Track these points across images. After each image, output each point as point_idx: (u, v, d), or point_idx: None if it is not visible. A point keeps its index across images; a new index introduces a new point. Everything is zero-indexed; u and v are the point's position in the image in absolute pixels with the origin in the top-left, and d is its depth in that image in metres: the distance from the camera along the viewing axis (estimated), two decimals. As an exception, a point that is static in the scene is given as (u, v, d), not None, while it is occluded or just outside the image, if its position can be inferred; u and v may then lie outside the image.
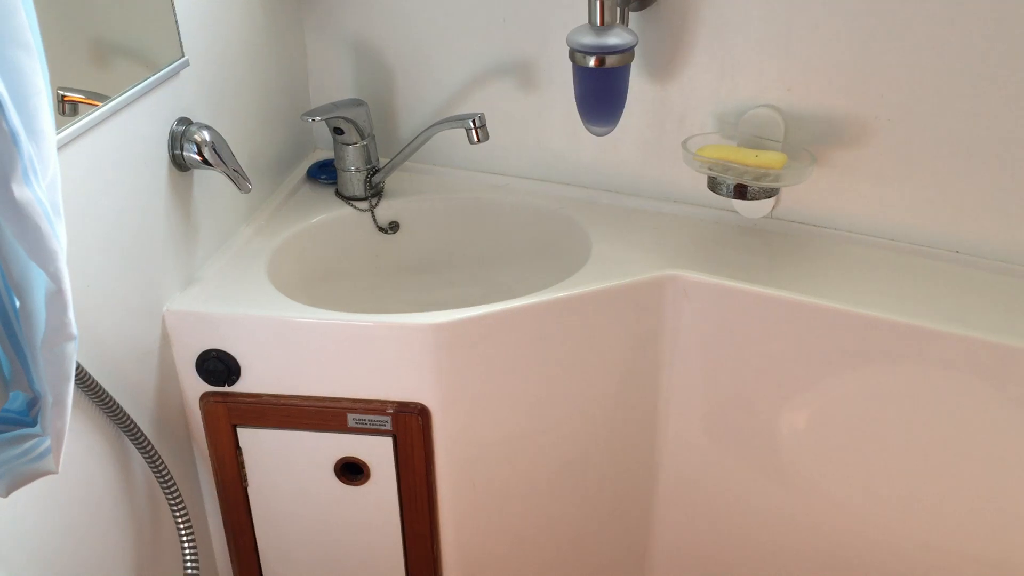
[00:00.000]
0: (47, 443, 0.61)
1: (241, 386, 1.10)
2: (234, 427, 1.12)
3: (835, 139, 1.16)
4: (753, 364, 1.15)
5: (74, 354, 0.56)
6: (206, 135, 1.05)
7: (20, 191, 0.50)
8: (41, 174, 0.52)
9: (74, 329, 0.55)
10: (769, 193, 1.13)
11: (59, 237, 0.53)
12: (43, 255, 0.52)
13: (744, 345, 1.14)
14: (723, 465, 1.24)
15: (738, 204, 1.18)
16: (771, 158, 1.11)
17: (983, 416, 1.06)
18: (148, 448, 1.02)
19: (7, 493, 0.64)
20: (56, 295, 0.54)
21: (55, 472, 0.63)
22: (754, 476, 1.23)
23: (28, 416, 0.61)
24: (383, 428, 1.09)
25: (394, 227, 1.32)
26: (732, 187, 1.12)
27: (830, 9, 1.09)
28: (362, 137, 1.27)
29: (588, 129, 1.16)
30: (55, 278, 0.53)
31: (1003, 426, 1.05)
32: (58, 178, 0.55)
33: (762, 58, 1.14)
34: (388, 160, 1.29)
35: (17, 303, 0.56)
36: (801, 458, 1.18)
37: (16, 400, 0.60)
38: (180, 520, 1.04)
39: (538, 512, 1.23)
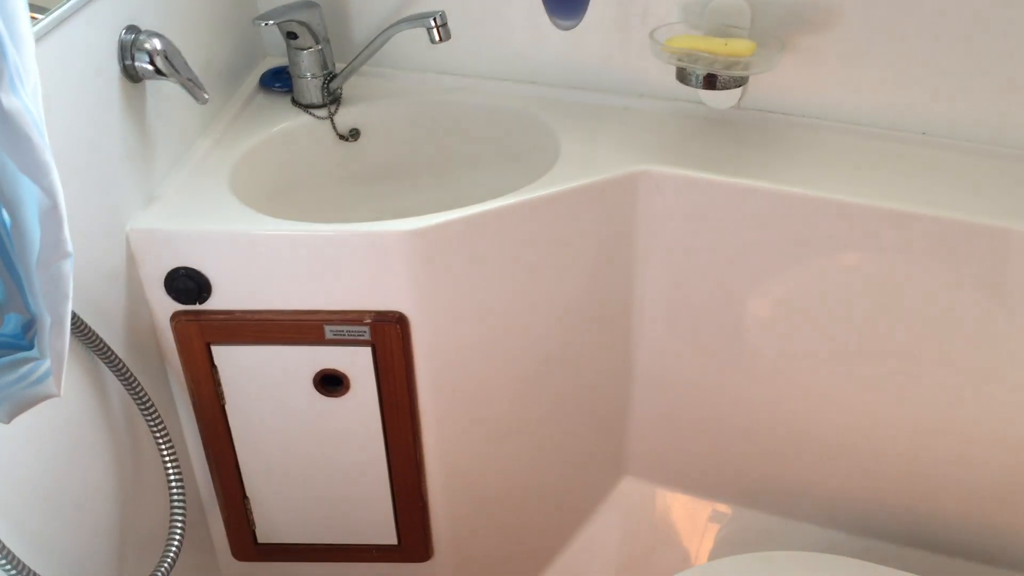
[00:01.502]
0: (46, 365, 0.58)
1: (213, 303, 1.07)
2: (208, 345, 1.10)
3: (801, 23, 1.14)
4: (726, 255, 1.16)
5: (71, 272, 0.54)
6: (157, 43, 1.00)
7: (8, 100, 0.46)
8: (26, 81, 0.48)
9: (70, 246, 0.53)
10: (739, 82, 1.11)
11: (49, 149, 0.50)
12: (36, 168, 0.49)
13: (717, 236, 1.15)
14: (697, 357, 1.25)
15: (707, 95, 1.17)
16: (740, 46, 1.09)
17: (948, 294, 1.08)
18: (123, 371, 0.99)
19: (8, 419, 0.62)
20: (51, 211, 0.51)
21: (57, 395, 0.61)
22: (727, 366, 1.25)
23: (24, 339, 0.58)
24: (361, 338, 1.08)
25: (355, 134, 1.29)
26: (701, 77, 1.11)
27: None
28: (317, 41, 1.22)
29: (554, 23, 1.13)
30: (49, 192, 0.51)
31: (967, 302, 1.07)
32: (39, 87, 0.51)
33: (728, -58, 1.12)
34: (345, 65, 1.25)
35: (8, 221, 0.53)
36: (773, 346, 1.20)
37: (10, 323, 0.58)
38: (161, 440, 1.03)
39: (517, 411, 1.24)
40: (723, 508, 1.39)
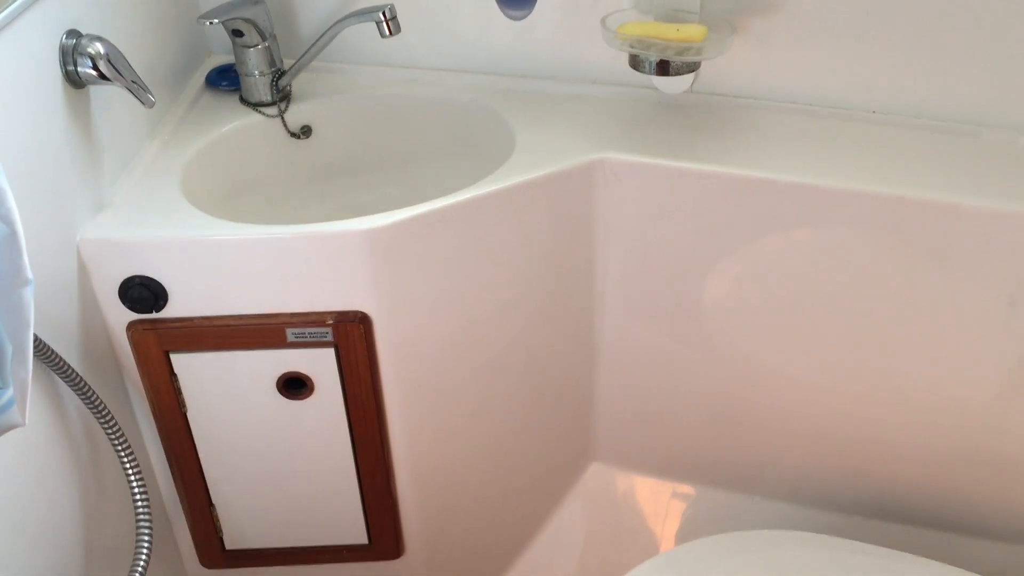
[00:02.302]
0: (8, 395, 0.57)
1: (170, 311, 1.05)
2: (167, 353, 1.08)
3: (750, 6, 1.15)
4: (685, 238, 1.16)
5: (31, 299, 0.52)
6: (100, 47, 0.97)
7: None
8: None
9: (30, 273, 0.51)
10: (691, 67, 1.12)
11: (3, 175, 0.48)
12: (-11, 195, 0.47)
13: (675, 221, 1.15)
14: (659, 340, 1.26)
15: (660, 81, 1.17)
16: (692, 31, 1.09)
17: (900, 268, 1.10)
18: (80, 384, 0.97)
19: (-29, 451, 0.60)
20: (9, 238, 0.49)
21: (22, 424, 0.60)
22: (688, 347, 1.25)
23: (-16, 369, 0.57)
24: (324, 340, 1.07)
25: (306, 131, 1.27)
26: (655, 64, 1.11)
27: None
28: (263, 38, 1.20)
29: (506, 14, 1.12)
30: (6, 219, 0.49)
31: (919, 276, 1.09)
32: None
33: (675, -73, 1.12)
34: (294, 61, 1.23)
35: (-38, 251, 0.51)
36: (732, 326, 1.21)
37: (-32, 353, 0.56)
38: (123, 452, 1.01)
39: (483, 403, 1.24)
40: (689, 489, 1.40)
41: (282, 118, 1.24)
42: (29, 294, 0.52)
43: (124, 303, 1.04)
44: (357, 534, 1.25)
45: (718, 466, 1.36)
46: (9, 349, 0.54)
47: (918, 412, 1.20)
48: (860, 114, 1.18)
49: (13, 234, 0.50)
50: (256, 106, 1.23)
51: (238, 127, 1.21)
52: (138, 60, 1.11)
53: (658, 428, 1.35)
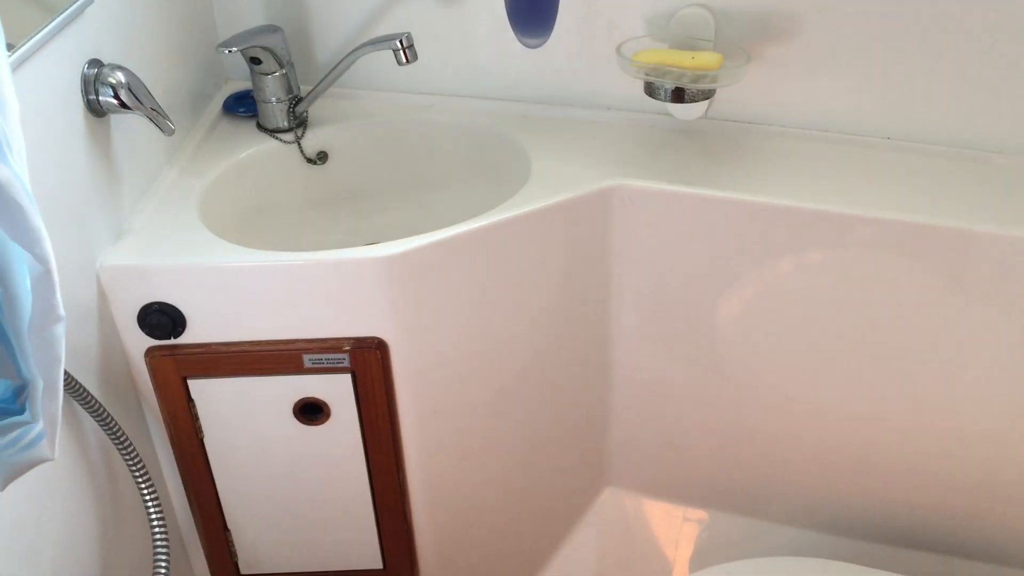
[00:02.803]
0: (37, 429, 0.57)
1: (188, 337, 1.06)
2: (184, 379, 1.08)
3: (765, 34, 1.15)
4: (700, 264, 1.17)
5: (63, 335, 0.52)
6: (121, 76, 0.98)
7: None
8: (13, 147, 0.47)
9: (62, 310, 0.51)
10: (707, 95, 1.12)
11: (39, 214, 0.49)
12: (27, 235, 0.48)
13: (690, 246, 1.16)
14: (674, 365, 1.26)
15: (674, 108, 1.18)
16: (707, 59, 1.10)
17: (915, 295, 1.10)
18: (99, 410, 0.97)
19: (3, 486, 0.60)
20: (44, 276, 0.50)
21: (51, 459, 0.60)
22: (704, 372, 1.25)
23: (15, 404, 0.57)
24: (341, 366, 1.07)
25: (323, 157, 1.27)
26: (670, 91, 1.12)
27: (756, -99, 1.07)
28: (281, 65, 1.21)
29: (521, 42, 1.13)
30: (42, 259, 0.49)
31: (933, 302, 1.09)
32: (24, 150, 0.50)
33: (689, -44, 1.13)
34: (311, 88, 1.24)
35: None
36: (748, 351, 1.21)
37: (0, 388, 0.56)
38: (140, 478, 1.01)
39: (498, 427, 1.24)
40: (703, 514, 1.40)
41: (299, 144, 1.25)
42: (61, 331, 0.52)
43: (143, 329, 1.04)
44: (372, 559, 1.25)
45: (732, 491, 1.36)
46: (41, 384, 0.54)
47: (932, 438, 1.20)
48: (874, 140, 1.19)
49: (47, 272, 0.50)
50: (273, 132, 1.24)
51: (255, 153, 1.22)
52: (157, 87, 1.12)
53: (672, 453, 1.35)
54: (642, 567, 1.41)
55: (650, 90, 1.13)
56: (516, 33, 1.12)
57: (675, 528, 1.40)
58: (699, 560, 1.40)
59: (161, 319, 1.03)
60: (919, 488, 1.25)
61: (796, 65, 1.16)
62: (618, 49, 1.14)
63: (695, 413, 1.30)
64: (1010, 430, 1.16)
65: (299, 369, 1.07)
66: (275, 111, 1.23)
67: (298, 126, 1.25)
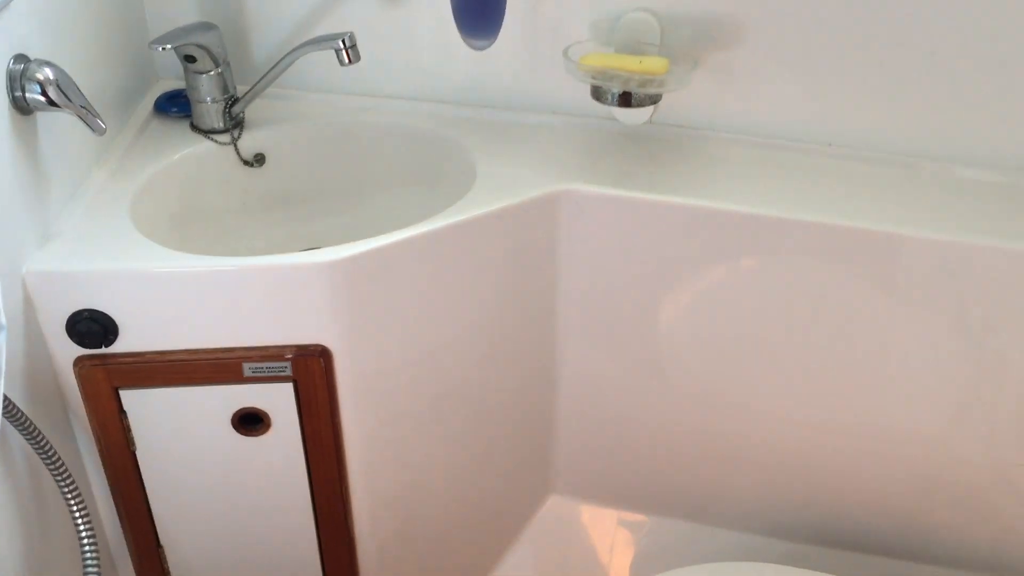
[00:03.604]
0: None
1: (120, 345, 1.01)
2: (116, 390, 1.03)
3: (710, 39, 1.16)
4: (643, 267, 1.16)
5: (3, 345, 0.49)
6: (49, 72, 0.93)
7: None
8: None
9: (3, 318, 0.48)
10: (653, 99, 1.12)
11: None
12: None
13: (635, 250, 1.15)
14: (619, 370, 1.26)
15: (620, 112, 1.17)
16: (654, 63, 1.09)
17: (851, 298, 1.11)
18: (24, 423, 0.92)
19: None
20: (-20, 284, 0.46)
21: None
22: (648, 377, 1.25)
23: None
24: (282, 374, 1.04)
25: (260, 159, 1.24)
26: (617, 95, 1.11)
27: (703, -93, 1.07)
28: (216, 64, 1.17)
29: (468, 43, 1.11)
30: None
31: (868, 306, 1.11)
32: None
33: (636, -40, 1.12)
34: (247, 88, 1.20)
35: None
36: (688, 355, 1.22)
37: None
38: (69, 493, 0.96)
39: (442, 434, 1.22)
40: (648, 519, 1.40)
41: (235, 146, 1.21)
42: (3, 340, 0.48)
43: (72, 338, 0.99)
44: (312, 573, 1.21)
45: (676, 496, 1.36)
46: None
47: (871, 440, 1.21)
48: (816, 147, 1.20)
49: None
50: (208, 133, 1.20)
51: (189, 155, 1.18)
52: (86, 84, 1.07)
53: (617, 459, 1.35)
54: (586, 574, 1.40)
55: (597, 94, 1.13)
56: (462, 34, 1.10)
57: (620, 535, 1.40)
58: (641, 566, 1.39)
59: (91, 327, 0.98)
60: (859, 490, 1.26)
61: (740, 71, 1.17)
62: (565, 52, 1.13)
63: (639, 417, 1.30)
64: (946, 431, 1.18)
65: (238, 378, 1.03)
66: (210, 111, 1.19)
67: (234, 127, 1.21)
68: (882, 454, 1.22)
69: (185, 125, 1.22)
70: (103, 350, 1.01)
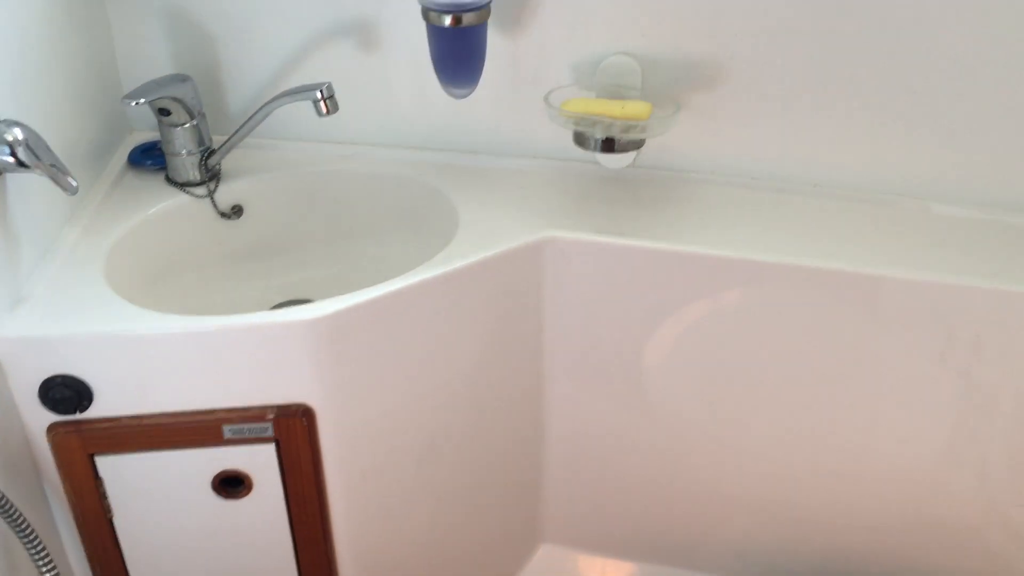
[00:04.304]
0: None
1: (95, 411, 0.98)
2: (91, 456, 1.00)
3: (692, 82, 1.15)
4: (629, 312, 1.15)
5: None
6: (18, 133, 0.91)
7: None
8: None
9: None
10: (637, 144, 1.11)
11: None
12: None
13: (621, 296, 1.14)
14: (606, 413, 1.24)
15: (603, 157, 1.16)
16: (637, 109, 1.08)
17: (836, 341, 1.10)
18: (-4, 497, 0.89)
19: None
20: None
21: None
22: (635, 419, 1.23)
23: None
24: (264, 435, 1.01)
25: (237, 211, 1.21)
26: (600, 141, 1.10)
27: (681, -49, 1.07)
28: (191, 116, 1.15)
29: (447, 92, 1.09)
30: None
31: (853, 348, 1.10)
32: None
33: (614, 5, 1.11)
34: (224, 139, 1.18)
35: None
36: (676, 399, 1.20)
37: None
38: (43, 565, 0.92)
39: (429, 487, 1.19)
40: (641, 567, 1.37)
41: (211, 198, 1.18)
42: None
43: (45, 405, 0.96)
44: (298, 636, 1.17)
45: (668, 542, 1.34)
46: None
47: (863, 481, 1.20)
48: (802, 187, 1.19)
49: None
50: (184, 186, 1.18)
51: (165, 209, 1.15)
52: (56, 141, 1.05)
53: (608, 506, 1.32)
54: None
55: (579, 140, 1.11)
56: (442, 83, 1.08)
57: (612, 584, 1.37)
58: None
59: (65, 393, 0.95)
60: (852, 532, 1.25)
61: (723, 113, 1.16)
62: (546, 98, 1.11)
63: (630, 463, 1.27)
64: (938, 471, 1.16)
65: (218, 440, 1.00)
66: (185, 164, 1.17)
67: (211, 179, 1.19)
68: (874, 495, 1.21)
69: (160, 178, 1.20)
70: (77, 416, 0.98)
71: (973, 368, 1.09)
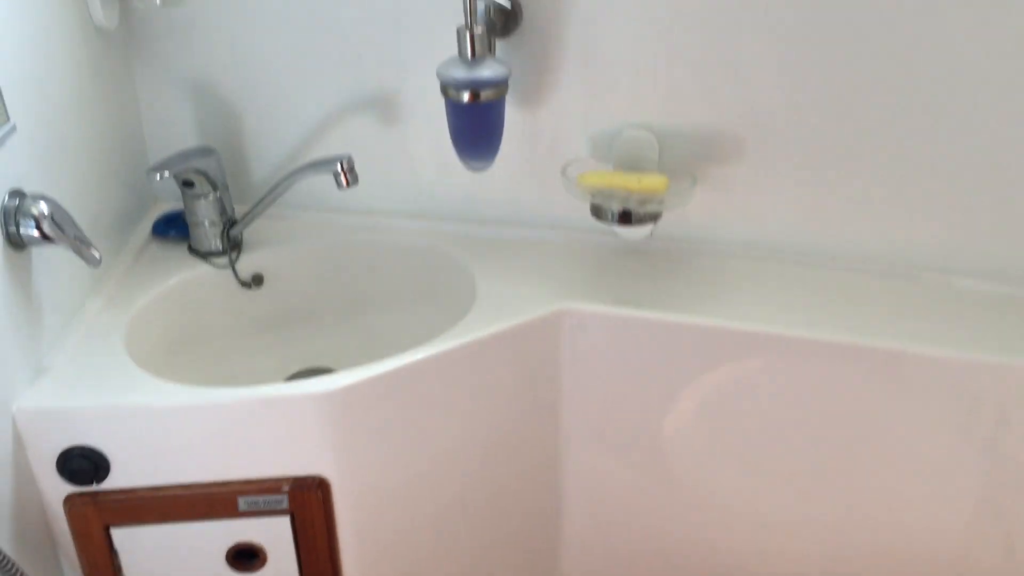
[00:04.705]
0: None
1: (111, 482, 0.98)
2: (107, 528, 1.00)
3: (709, 155, 1.15)
4: (648, 383, 1.14)
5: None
6: (44, 207, 0.93)
7: None
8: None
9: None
10: (654, 216, 1.11)
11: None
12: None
13: (639, 366, 1.13)
14: (625, 481, 1.22)
15: (620, 229, 1.16)
16: (654, 182, 1.09)
17: (858, 412, 1.09)
18: (10, 567, 0.89)
19: None
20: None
21: None
22: (652, 490, 1.22)
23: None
24: (279, 508, 1.00)
25: (258, 280, 1.22)
26: (617, 213, 1.10)
27: (695, 30, 1.08)
28: (215, 188, 1.17)
29: (465, 165, 1.11)
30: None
31: (874, 418, 1.08)
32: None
33: (632, 79, 1.13)
34: (246, 209, 1.19)
35: None
36: (696, 467, 1.19)
37: None
38: (55, 642, 0.92)
39: (445, 556, 1.18)
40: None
41: (233, 268, 1.20)
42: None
43: (62, 475, 0.96)
44: None
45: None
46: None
47: (884, 555, 1.17)
48: (821, 260, 1.19)
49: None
50: (206, 256, 1.19)
51: (186, 279, 1.17)
52: (82, 213, 1.07)
53: (624, 570, 1.30)
54: None
55: (597, 212, 1.12)
56: (460, 158, 1.10)
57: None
58: None
59: (83, 464, 0.96)
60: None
61: (740, 186, 1.16)
62: (563, 171, 1.12)
63: (647, 530, 1.26)
64: (963, 544, 1.14)
65: (233, 513, 1.00)
66: (208, 234, 1.18)
67: (232, 249, 1.20)
68: (896, 569, 1.18)
69: (183, 248, 1.21)
70: (94, 487, 0.98)
71: (999, 443, 1.07)
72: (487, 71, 1.02)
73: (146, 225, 1.25)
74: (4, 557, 0.87)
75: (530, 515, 1.25)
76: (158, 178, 1.08)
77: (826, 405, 1.10)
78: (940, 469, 1.10)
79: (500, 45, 1.12)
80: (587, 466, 1.22)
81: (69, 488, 0.98)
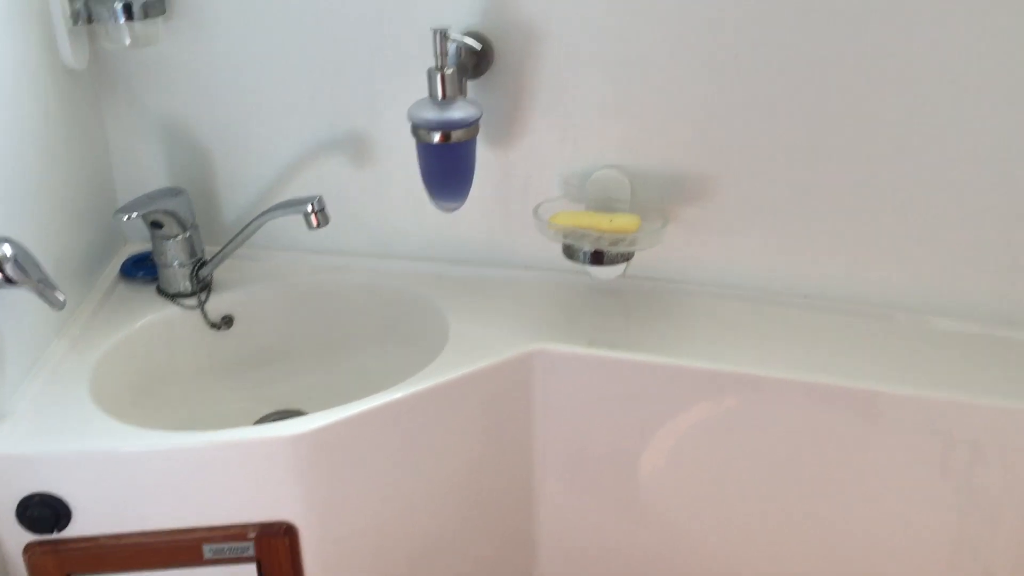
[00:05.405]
0: None
1: (73, 529, 0.96)
2: (68, 577, 0.97)
3: (681, 195, 1.16)
4: (619, 424, 1.13)
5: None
6: (7, 249, 0.91)
7: None
8: None
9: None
10: (626, 257, 1.11)
11: None
12: None
13: (612, 407, 1.12)
14: (599, 521, 1.21)
15: (593, 269, 1.16)
16: (625, 222, 1.09)
17: (832, 452, 1.08)
18: (-35, 621, 0.86)
19: None
20: None
21: None
22: (626, 528, 1.21)
23: None
24: (245, 555, 0.98)
25: (228, 321, 1.21)
26: (589, 254, 1.10)
27: (666, 71, 1.09)
28: (184, 228, 1.16)
29: (437, 205, 1.10)
30: None
31: (848, 457, 1.08)
32: None
33: (603, 119, 1.13)
34: (216, 250, 1.18)
35: None
36: (670, 505, 1.18)
37: None
38: None
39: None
40: None
41: (202, 309, 1.18)
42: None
43: (22, 523, 0.94)
44: None
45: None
46: None
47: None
48: (793, 299, 1.19)
49: None
50: (175, 297, 1.18)
51: (154, 320, 1.15)
52: (49, 253, 1.06)
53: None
54: None
55: (569, 252, 1.11)
56: (432, 198, 1.09)
57: None
58: None
59: (43, 512, 0.93)
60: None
61: (713, 225, 1.16)
62: (535, 211, 1.12)
63: (621, 568, 1.24)
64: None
65: (198, 561, 0.98)
66: (177, 275, 1.17)
67: (202, 290, 1.19)
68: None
69: (151, 289, 1.20)
70: (55, 535, 0.96)
71: (975, 481, 1.06)
72: (458, 112, 1.02)
73: (115, 266, 1.23)
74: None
75: (504, 557, 1.23)
76: (126, 219, 1.07)
77: (801, 445, 1.09)
78: (916, 509, 1.09)
79: (472, 85, 1.13)
80: (561, 506, 1.21)
81: (29, 536, 0.96)
